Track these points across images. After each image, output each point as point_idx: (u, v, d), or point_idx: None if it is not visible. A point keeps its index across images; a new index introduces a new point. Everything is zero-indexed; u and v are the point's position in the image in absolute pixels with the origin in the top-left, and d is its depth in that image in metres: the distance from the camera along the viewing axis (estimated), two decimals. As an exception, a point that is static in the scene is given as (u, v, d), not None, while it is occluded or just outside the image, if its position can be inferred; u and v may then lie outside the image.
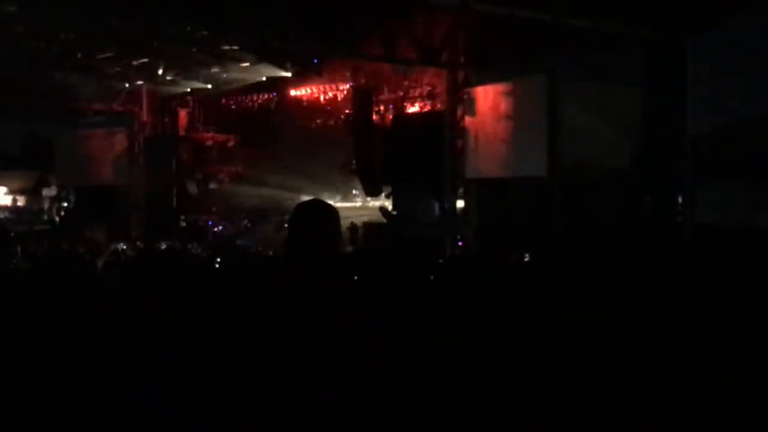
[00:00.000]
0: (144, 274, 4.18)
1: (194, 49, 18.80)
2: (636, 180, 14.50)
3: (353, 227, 19.53)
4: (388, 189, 21.20)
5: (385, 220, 20.34)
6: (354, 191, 23.44)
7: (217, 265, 7.38)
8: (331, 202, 15.44)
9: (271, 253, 17.29)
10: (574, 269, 6.62)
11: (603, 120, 14.79)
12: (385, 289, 4.02)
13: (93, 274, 5.62)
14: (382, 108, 21.51)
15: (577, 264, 7.09)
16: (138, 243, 18.73)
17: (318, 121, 23.36)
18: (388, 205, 21.52)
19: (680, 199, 14.46)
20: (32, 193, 27.36)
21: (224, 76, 21.07)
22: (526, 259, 9.62)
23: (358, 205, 23.21)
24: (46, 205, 27.18)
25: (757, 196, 13.38)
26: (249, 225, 24.00)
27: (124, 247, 13.93)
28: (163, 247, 12.95)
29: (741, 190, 13.17)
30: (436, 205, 18.18)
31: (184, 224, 23.89)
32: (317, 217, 3.04)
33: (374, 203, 22.67)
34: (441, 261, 6.21)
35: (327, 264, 2.97)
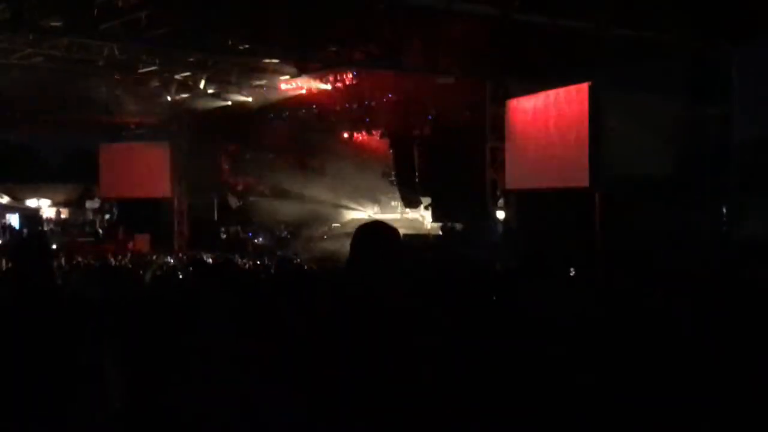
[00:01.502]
0: (201, 291, 4.20)
1: (235, 63, 18.98)
2: (681, 190, 14.30)
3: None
4: (427, 200, 21.20)
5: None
6: (393, 203, 23.44)
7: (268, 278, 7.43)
8: (369, 212, 15.48)
9: (314, 267, 17.32)
10: (624, 286, 6.53)
11: (646, 130, 14.61)
12: (440, 306, 3.99)
13: (141, 288, 5.62)
14: (422, 119, 21.48)
15: (625, 280, 7.00)
16: (181, 255, 18.86)
17: (357, 133, 23.39)
18: (427, 216, 21.50)
19: (724, 210, 14.24)
20: (76, 205, 27.79)
21: (264, 89, 21.21)
22: (571, 273, 9.48)
23: (397, 217, 23.21)
24: (89, 217, 27.59)
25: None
26: (288, 236, 24.11)
27: (171, 260, 14.04)
28: (209, 260, 13.03)
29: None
30: (498, 226, 17.97)
31: (224, 236, 24.12)
32: (378, 239, 3.01)
33: (414, 215, 22.69)
34: (491, 276, 6.15)
35: (388, 285, 2.96)
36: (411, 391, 2.81)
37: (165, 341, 3.84)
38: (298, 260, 18.26)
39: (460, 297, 4.45)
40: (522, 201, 17.89)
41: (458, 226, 19.27)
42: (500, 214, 18.37)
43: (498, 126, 18.10)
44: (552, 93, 16.70)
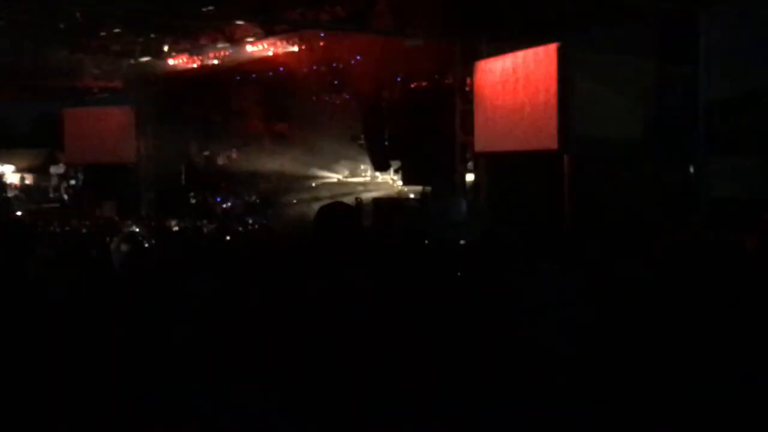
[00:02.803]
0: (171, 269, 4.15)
1: (200, 25, 18.69)
2: (650, 152, 14.39)
3: (358, 203, 19.50)
4: (397, 164, 21.15)
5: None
6: (362, 166, 23.36)
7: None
8: (339, 176, 15.48)
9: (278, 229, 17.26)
10: (590, 250, 6.57)
11: (616, 92, 14.65)
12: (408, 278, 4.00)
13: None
14: (391, 82, 21.34)
15: (592, 244, 7.04)
16: (152, 223, 18.59)
17: (326, 95, 23.20)
18: (397, 179, 21.48)
19: (692, 170, 14.36)
20: (40, 171, 27.41)
21: (230, 51, 20.93)
22: (540, 238, 9.53)
23: (366, 180, 23.18)
24: (54, 183, 27.22)
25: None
26: (258, 201, 23.97)
27: (137, 229, 13.84)
28: (175, 228, 12.92)
29: (755, 162, 13.07)
30: (463, 202, 17.85)
31: (193, 201, 23.93)
32: (339, 220, 3.09)
33: (383, 177, 22.64)
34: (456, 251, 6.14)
35: (350, 262, 3.01)
36: (378, 371, 2.82)
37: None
38: (270, 226, 18.21)
39: (425, 273, 4.45)
40: (491, 164, 17.90)
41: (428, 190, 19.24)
42: (470, 177, 18.39)
43: (467, 88, 18.04)
44: (521, 54, 16.62)
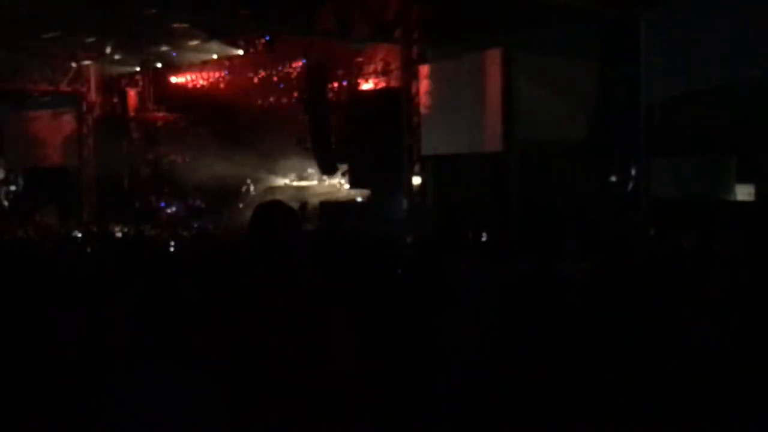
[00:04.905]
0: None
1: (142, 27, 18.41)
2: (593, 153, 14.57)
3: (303, 206, 19.38)
4: (344, 167, 21.10)
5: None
6: (309, 170, 23.25)
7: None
8: (286, 180, 15.39)
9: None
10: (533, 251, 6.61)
11: (559, 94, 14.82)
12: (349, 279, 3.98)
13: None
14: (336, 85, 21.31)
15: (536, 244, 7.09)
16: (93, 228, 18.29)
17: (272, 99, 23.07)
18: (344, 182, 21.44)
19: (633, 172, 14.57)
20: (-22, 177, 26.75)
21: (174, 54, 20.71)
22: (483, 239, 9.62)
23: (314, 184, 23.09)
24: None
25: (710, 167, 13.52)
26: (202, 206, 23.73)
27: (79, 234, 13.56)
28: (118, 234, 12.68)
29: (694, 162, 13.30)
30: (404, 201, 17.94)
31: (137, 205, 23.58)
32: (276, 219, 3.05)
33: (330, 181, 22.57)
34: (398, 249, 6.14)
35: (286, 265, 2.98)
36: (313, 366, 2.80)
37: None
38: (216, 231, 18.03)
39: (366, 270, 4.44)
40: (438, 167, 17.96)
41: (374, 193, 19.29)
42: (416, 180, 18.45)
43: (414, 91, 18.11)
44: (466, 58, 16.75)
